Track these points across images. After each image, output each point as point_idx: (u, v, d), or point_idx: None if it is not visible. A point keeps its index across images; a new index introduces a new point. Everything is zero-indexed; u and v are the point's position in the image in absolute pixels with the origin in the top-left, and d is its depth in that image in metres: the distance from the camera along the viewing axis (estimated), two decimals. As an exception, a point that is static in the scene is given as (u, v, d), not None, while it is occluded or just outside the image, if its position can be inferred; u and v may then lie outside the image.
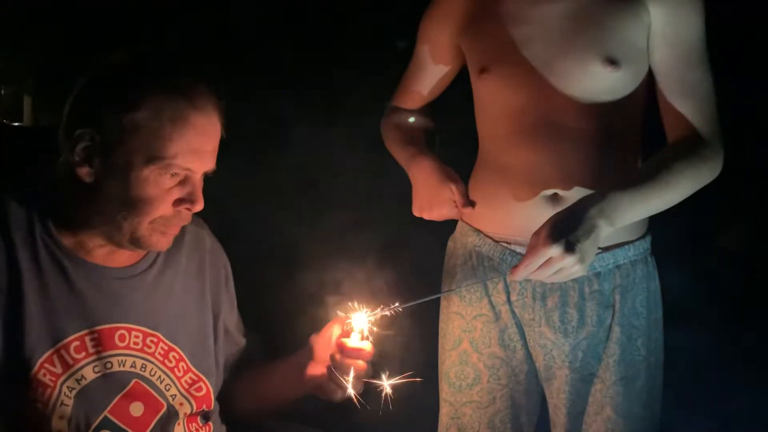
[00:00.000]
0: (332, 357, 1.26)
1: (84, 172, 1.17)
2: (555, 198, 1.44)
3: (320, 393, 1.31)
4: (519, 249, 1.49)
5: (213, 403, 1.35)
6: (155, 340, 1.27)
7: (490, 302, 1.54)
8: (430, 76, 1.68)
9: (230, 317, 1.43)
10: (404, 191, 1.60)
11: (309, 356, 1.33)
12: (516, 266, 1.25)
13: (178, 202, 1.21)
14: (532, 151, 1.45)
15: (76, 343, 1.19)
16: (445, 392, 1.60)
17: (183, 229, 1.29)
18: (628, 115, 1.47)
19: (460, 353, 1.57)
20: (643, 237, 1.52)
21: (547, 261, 1.22)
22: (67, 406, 1.16)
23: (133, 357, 1.24)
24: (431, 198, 1.52)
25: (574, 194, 1.41)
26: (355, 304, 1.25)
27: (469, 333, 1.56)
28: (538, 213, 1.42)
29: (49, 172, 1.25)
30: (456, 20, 1.58)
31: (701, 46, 1.42)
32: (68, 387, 1.16)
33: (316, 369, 1.32)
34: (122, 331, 1.23)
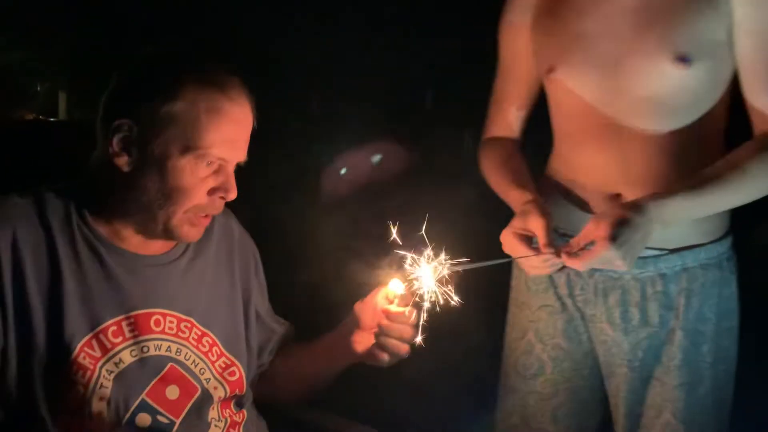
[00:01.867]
0: (379, 324, 1.28)
1: (122, 161, 1.21)
2: (617, 198, 1.41)
3: (369, 359, 1.33)
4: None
5: (246, 388, 1.38)
6: (189, 325, 1.31)
7: (556, 293, 1.53)
8: (518, 87, 1.59)
9: (261, 303, 1.46)
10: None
11: (355, 324, 1.35)
12: (572, 254, 1.26)
13: (212, 191, 1.24)
14: (597, 151, 1.42)
15: (114, 327, 1.23)
16: (512, 379, 1.59)
17: (212, 220, 1.32)
18: (705, 115, 1.38)
19: (525, 343, 1.57)
20: (718, 240, 1.45)
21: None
22: (107, 388, 1.20)
23: (168, 341, 1.27)
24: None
25: (637, 195, 1.35)
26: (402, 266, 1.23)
27: (534, 323, 1.55)
28: (595, 211, 1.41)
29: (84, 165, 1.29)
30: (529, 20, 1.52)
31: None
32: (107, 370, 1.21)
33: (363, 336, 1.34)
34: (157, 317, 1.27)
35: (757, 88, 1.33)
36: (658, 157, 1.39)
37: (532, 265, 1.35)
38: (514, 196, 1.44)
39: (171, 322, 1.28)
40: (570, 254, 1.27)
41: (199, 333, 1.32)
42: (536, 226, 1.31)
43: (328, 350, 1.42)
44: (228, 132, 1.23)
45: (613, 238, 1.22)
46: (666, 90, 1.35)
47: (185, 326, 1.30)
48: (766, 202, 1.36)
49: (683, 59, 1.31)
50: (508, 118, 1.60)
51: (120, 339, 1.23)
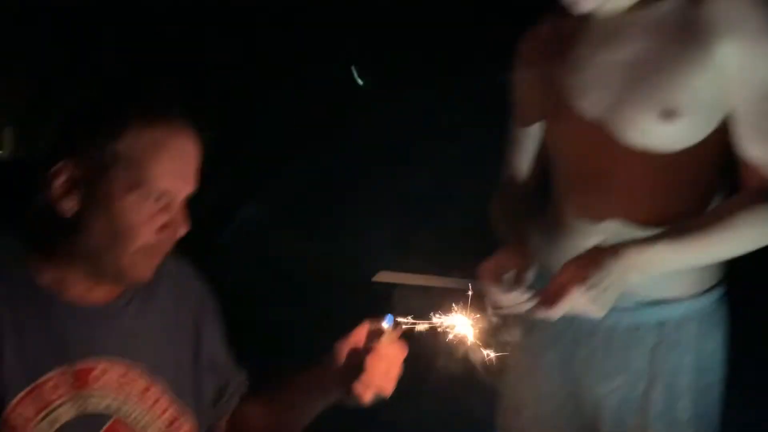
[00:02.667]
0: (364, 359, 1.25)
1: (66, 205, 1.16)
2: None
3: (350, 399, 1.30)
4: None
5: None
6: (134, 376, 1.25)
7: (539, 338, 1.55)
8: (525, 134, 1.63)
9: (215, 349, 1.41)
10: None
11: (335, 362, 1.31)
12: (542, 301, 1.27)
13: (162, 228, 1.20)
14: (583, 199, 1.46)
15: (53, 381, 1.16)
16: (500, 417, 1.62)
17: (161, 263, 1.28)
18: (693, 167, 1.38)
19: (514, 377, 1.59)
20: (700, 294, 1.44)
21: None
22: None
23: (111, 395, 1.21)
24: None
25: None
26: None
27: (519, 364, 1.56)
28: None
29: (27, 206, 1.23)
30: (534, 71, 1.56)
31: None
32: (42, 430, 1.13)
33: (344, 375, 1.30)
34: (102, 366, 1.21)
35: (749, 141, 1.33)
36: (643, 206, 1.41)
37: (501, 303, 1.34)
38: (505, 235, 1.50)
39: (114, 373, 1.22)
40: (540, 302, 1.28)
41: (145, 384, 1.26)
42: (515, 263, 1.33)
43: (304, 390, 1.38)
44: (174, 165, 1.20)
45: (584, 280, 1.22)
46: (652, 142, 1.37)
47: (130, 377, 1.24)
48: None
49: (670, 114, 1.33)
50: (517, 163, 1.65)
51: (59, 393, 1.16)
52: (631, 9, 1.40)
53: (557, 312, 1.27)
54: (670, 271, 1.36)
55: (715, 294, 1.47)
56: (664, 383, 1.43)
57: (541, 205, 1.62)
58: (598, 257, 1.25)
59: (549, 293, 1.27)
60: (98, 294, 1.24)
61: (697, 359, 1.43)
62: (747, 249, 1.31)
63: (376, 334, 1.27)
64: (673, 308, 1.43)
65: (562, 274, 1.26)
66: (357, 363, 1.27)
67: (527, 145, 1.63)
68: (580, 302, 1.23)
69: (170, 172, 1.19)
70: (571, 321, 1.47)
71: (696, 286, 1.44)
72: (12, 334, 1.14)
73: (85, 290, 1.22)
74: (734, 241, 1.30)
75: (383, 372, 1.25)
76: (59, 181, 1.16)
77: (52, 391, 1.15)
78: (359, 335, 1.30)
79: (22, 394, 1.13)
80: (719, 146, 1.38)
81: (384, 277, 1.34)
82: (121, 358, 1.23)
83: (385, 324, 1.26)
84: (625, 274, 1.25)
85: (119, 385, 1.23)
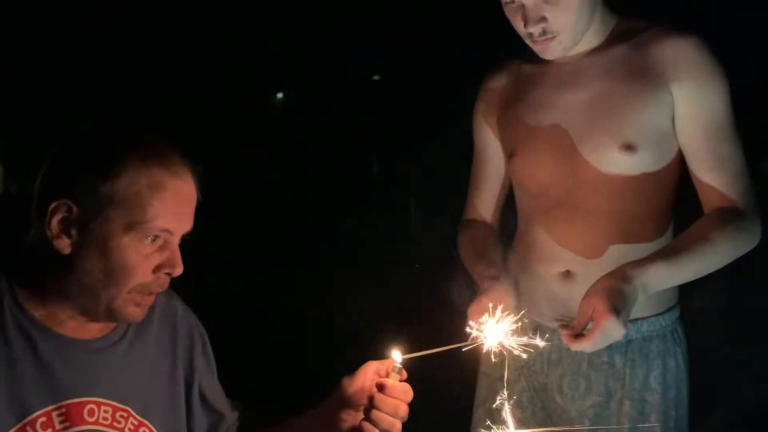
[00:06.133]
0: (371, 397, 1.23)
1: (62, 243, 1.15)
2: (567, 275, 1.51)
3: None
4: (539, 320, 1.55)
5: None
6: (125, 414, 1.23)
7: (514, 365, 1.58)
8: (488, 171, 1.72)
9: (208, 385, 1.39)
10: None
11: (341, 400, 1.29)
12: (578, 337, 1.27)
13: (157, 268, 1.20)
14: (549, 230, 1.53)
15: (43, 419, 1.14)
16: None
17: (154, 300, 1.27)
18: (651, 195, 1.49)
19: (485, 411, 1.62)
20: (662, 313, 1.53)
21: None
22: None
23: None
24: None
25: (585, 271, 1.47)
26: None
27: (494, 393, 1.55)
28: (548, 289, 1.51)
29: (19, 243, 1.23)
30: (496, 110, 1.66)
31: (728, 120, 1.44)
32: None
33: (350, 414, 1.28)
34: (91, 406, 1.19)
35: (705, 169, 1.45)
36: (606, 232, 1.49)
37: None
38: (479, 270, 1.52)
39: (106, 411, 1.21)
40: (571, 336, 1.29)
41: (136, 423, 1.24)
42: (500, 300, 1.34)
43: (310, 428, 1.34)
44: (172, 205, 1.19)
45: (616, 310, 1.25)
46: (614, 173, 1.46)
47: (121, 416, 1.23)
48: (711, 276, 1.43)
49: (629, 147, 1.43)
50: (481, 201, 1.73)
51: (49, 431, 1.14)
52: (587, 54, 1.52)
53: (596, 345, 1.28)
54: None
55: (674, 314, 1.56)
56: (636, 398, 1.49)
57: (502, 238, 1.68)
58: (617, 285, 1.29)
59: (578, 327, 1.29)
60: (90, 330, 1.23)
61: (663, 374, 1.51)
62: (724, 263, 1.41)
63: (382, 372, 1.25)
64: (639, 327, 1.51)
65: (588, 308, 1.28)
66: (364, 401, 1.25)
67: (489, 183, 1.72)
68: (609, 331, 1.25)
69: (168, 212, 1.18)
70: (540, 348, 1.50)
71: (657, 306, 1.53)
72: (2, 370, 1.13)
73: (76, 327, 1.21)
74: (715, 257, 1.39)
75: (392, 409, 1.22)
76: (56, 219, 1.15)
77: (41, 429, 1.14)
78: (365, 373, 1.28)
79: (12, 431, 1.11)
80: (676, 172, 1.50)
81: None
82: (112, 399, 1.22)
83: (392, 361, 1.24)
84: (639, 295, 1.31)
85: (111, 422, 1.21)
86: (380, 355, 1.27)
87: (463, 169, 1.80)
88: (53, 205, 1.15)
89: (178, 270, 1.22)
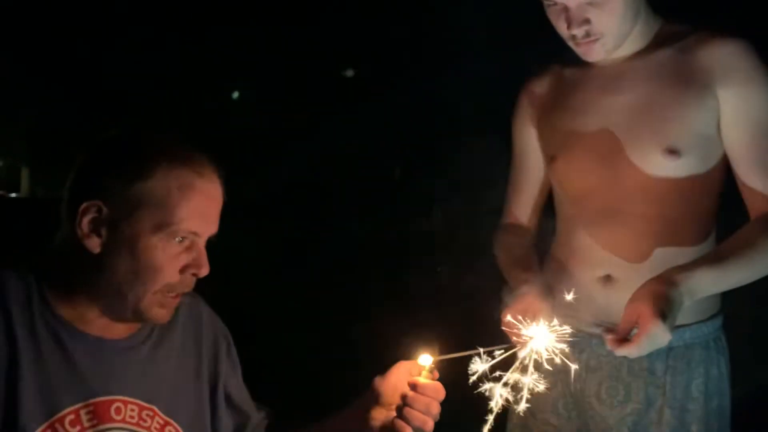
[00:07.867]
0: (404, 395, 1.23)
1: (92, 243, 1.18)
2: (607, 279, 1.49)
3: None
4: (578, 326, 1.50)
5: None
6: (151, 413, 1.24)
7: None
8: (528, 176, 1.71)
9: (233, 386, 1.40)
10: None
11: (374, 399, 1.29)
12: (622, 342, 1.26)
13: (184, 268, 1.22)
14: (591, 234, 1.52)
15: (71, 416, 1.16)
16: None
17: (179, 303, 1.28)
18: (694, 199, 1.48)
19: (519, 415, 1.58)
20: (705, 321, 1.51)
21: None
22: None
23: (129, 431, 1.21)
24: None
25: (627, 275, 1.46)
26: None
27: (530, 397, 1.56)
28: (588, 294, 1.48)
29: (47, 243, 1.25)
30: (537, 115, 1.66)
31: None
32: None
33: (382, 413, 1.28)
34: (118, 404, 1.21)
35: (752, 173, 1.43)
36: (648, 237, 1.47)
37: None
38: (515, 275, 1.52)
39: (132, 410, 1.22)
40: (616, 341, 1.27)
41: (162, 422, 1.26)
42: (537, 308, 1.35)
43: (343, 428, 1.35)
44: (199, 207, 1.22)
45: (663, 315, 1.23)
46: (657, 178, 1.45)
47: (147, 415, 1.24)
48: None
49: (673, 152, 1.42)
50: (519, 205, 1.72)
51: (77, 428, 1.16)
52: (631, 57, 1.51)
53: (641, 351, 1.26)
54: None
55: (717, 321, 1.53)
56: (676, 407, 1.47)
57: (539, 244, 1.67)
58: (663, 290, 1.27)
59: (623, 332, 1.27)
60: (116, 330, 1.25)
61: (705, 383, 1.48)
62: None
63: (414, 372, 1.25)
64: (681, 334, 1.47)
65: (633, 312, 1.26)
66: (396, 399, 1.25)
67: (528, 187, 1.71)
68: (656, 335, 1.23)
69: (196, 213, 1.21)
70: (580, 354, 1.52)
71: (701, 313, 1.50)
72: (32, 369, 1.15)
73: (103, 326, 1.23)
74: (762, 264, 1.37)
75: (424, 407, 1.22)
76: (87, 219, 1.17)
77: (70, 426, 1.16)
78: (397, 372, 1.28)
79: (42, 428, 1.13)
80: (720, 176, 1.48)
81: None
82: (138, 398, 1.24)
83: (422, 361, 1.24)
84: (685, 300, 1.29)
85: (138, 421, 1.23)
86: (406, 358, 1.27)
87: (490, 174, 1.79)
88: (84, 205, 1.17)
89: (205, 270, 1.24)
